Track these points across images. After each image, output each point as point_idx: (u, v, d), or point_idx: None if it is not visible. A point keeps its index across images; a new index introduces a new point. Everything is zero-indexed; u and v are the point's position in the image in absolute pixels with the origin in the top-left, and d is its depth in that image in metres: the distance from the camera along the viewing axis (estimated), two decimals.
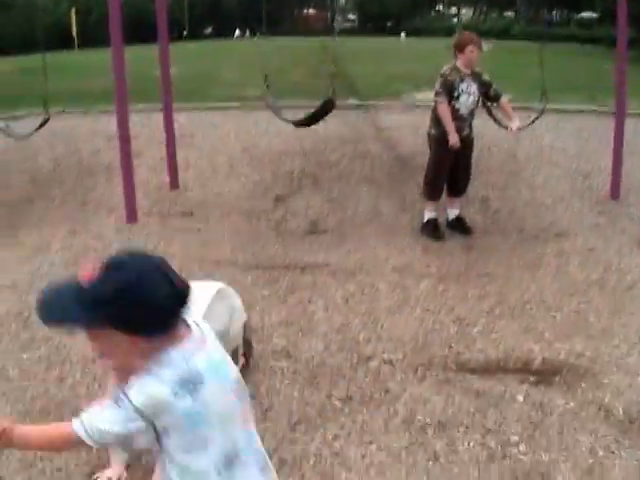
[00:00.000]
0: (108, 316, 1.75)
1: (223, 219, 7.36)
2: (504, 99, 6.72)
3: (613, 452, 3.48)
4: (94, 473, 3.33)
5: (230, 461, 1.91)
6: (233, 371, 1.97)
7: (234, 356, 3.58)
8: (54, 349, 4.52)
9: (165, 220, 7.34)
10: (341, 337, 4.74)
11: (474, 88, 6.46)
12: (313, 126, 8.16)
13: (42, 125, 8.27)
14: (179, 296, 1.82)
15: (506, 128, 6.98)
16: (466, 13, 65.74)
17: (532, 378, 4.18)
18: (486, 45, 7.71)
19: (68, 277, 1.82)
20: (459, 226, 6.90)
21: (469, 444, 3.57)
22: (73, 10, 34.87)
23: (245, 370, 3.83)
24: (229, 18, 55.44)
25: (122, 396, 1.79)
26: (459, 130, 6.40)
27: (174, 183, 8.36)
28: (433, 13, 70.78)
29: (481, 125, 7.10)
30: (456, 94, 6.39)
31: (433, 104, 6.58)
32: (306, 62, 17.44)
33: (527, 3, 51.43)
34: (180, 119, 9.50)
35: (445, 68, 6.49)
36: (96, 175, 8.79)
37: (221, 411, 1.88)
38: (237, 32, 50.83)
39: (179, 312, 1.84)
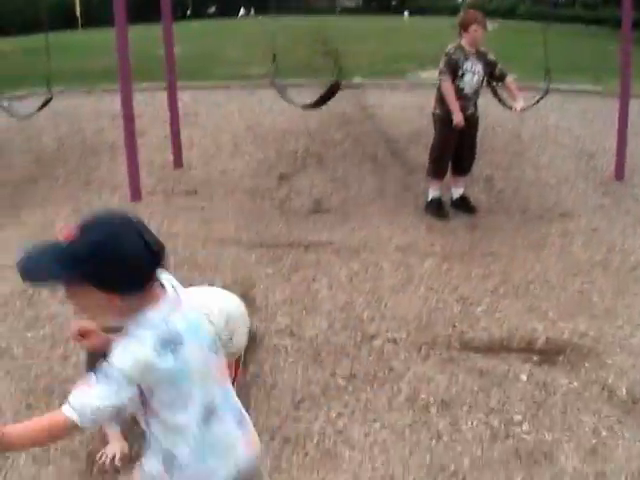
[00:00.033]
0: (85, 273, 1.80)
1: (227, 197, 7.34)
2: (509, 78, 6.66)
3: (616, 432, 3.49)
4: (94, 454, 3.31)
5: (208, 416, 1.99)
6: (210, 330, 2.04)
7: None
8: (58, 327, 4.52)
9: (169, 199, 7.32)
10: (345, 315, 4.75)
11: (479, 67, 6.41)
12: None
13: (45, 104, 8.22)
14: (154, 255, 1.86)
15: (510, 108, 6.93)
16: None
17: (536, 357, 4.19)
18: (491, 25, 7.66)
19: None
20: (463, 205, 6.88)
21: (472, 423, 3.58)
22: None
23: (249, 348, 3.82)
24: None
25: (108, 367, 1.81)
26: (463, 109, 6.36)
27: (178, 162, 8.34)
28: None
29: (485, 105, 7.06)
30: (460, 73, 6.35)
31: (437, 82, 6.55)
32: (310, 41, 17.34)
33: None
34: (184, 98, 9.47)
35: (450, 47, 6.44)
36: (100, 154, 8.77)
37: (200, 369, 1.94)
38: (242, 11, 50.42)
39: (154, 271, 1.89)
